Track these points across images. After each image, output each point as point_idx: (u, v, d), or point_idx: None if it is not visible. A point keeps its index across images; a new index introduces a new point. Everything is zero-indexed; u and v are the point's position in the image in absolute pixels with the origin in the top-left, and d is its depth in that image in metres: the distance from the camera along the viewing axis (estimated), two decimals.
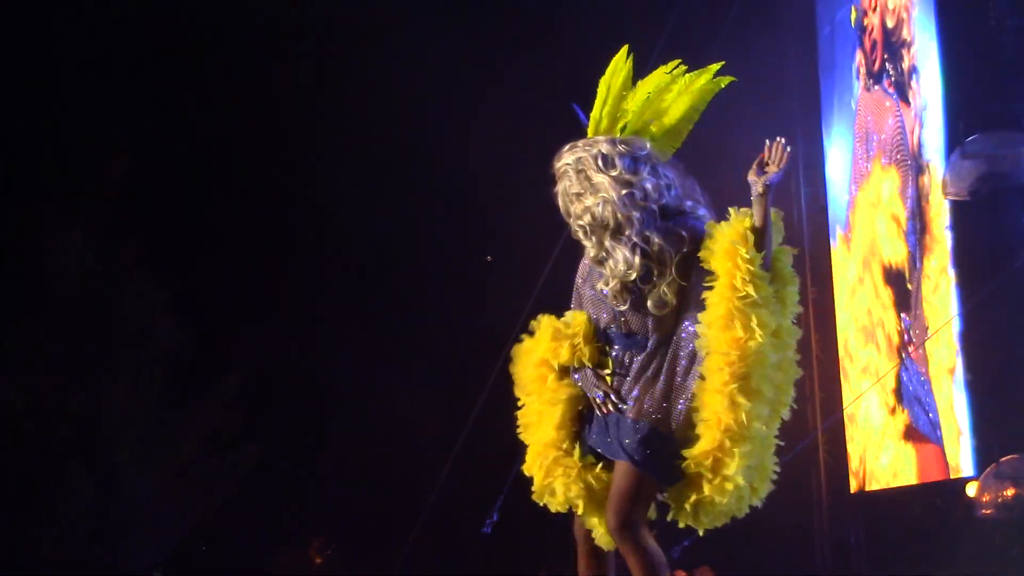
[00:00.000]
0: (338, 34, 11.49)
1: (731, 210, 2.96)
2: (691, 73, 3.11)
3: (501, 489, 6.29)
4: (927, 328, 8.38)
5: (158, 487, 11.59)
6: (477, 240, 12.17)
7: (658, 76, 3.09)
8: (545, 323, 3.16)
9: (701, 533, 3.09)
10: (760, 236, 2.83)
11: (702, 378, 2.88)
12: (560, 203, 3.08)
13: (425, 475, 9.11)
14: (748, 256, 2.80)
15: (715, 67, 3.12)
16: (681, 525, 3.08)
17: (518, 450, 3.24)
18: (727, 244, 2.82)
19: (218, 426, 11.96)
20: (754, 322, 2.80)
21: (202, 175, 12.20)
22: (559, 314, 3.19)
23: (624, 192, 2.94)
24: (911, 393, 8.91)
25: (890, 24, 9.21)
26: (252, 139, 12.09)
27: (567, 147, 3.08)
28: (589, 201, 3.00)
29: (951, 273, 7.98)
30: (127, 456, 11.38)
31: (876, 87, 9.55)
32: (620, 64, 3.05)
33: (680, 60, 3.14)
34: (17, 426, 11.06)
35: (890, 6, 9.23)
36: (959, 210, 7.81)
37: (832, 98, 10.38)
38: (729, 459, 2.82)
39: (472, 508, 7.43)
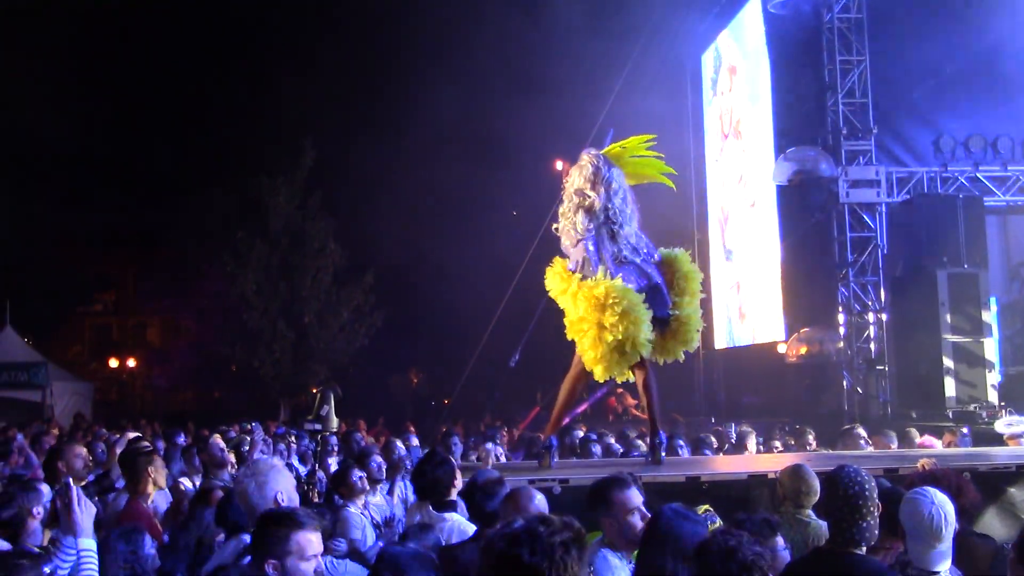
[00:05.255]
0: None
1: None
2: (657, 159, 5.69)
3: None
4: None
5: (328, 336, 18.88)
6: None
7: (650, 156, 5.67)
8: None
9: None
10: None
11: None
12: (573, 174, 5.41)
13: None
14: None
15: (667, 169, 5.73)
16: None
17: None
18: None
19: (360, 302, 19.13)
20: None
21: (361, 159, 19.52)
22: None
23: (590, 183, 5.25)
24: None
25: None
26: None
27: (592, 150, 5.44)
28: (578, 182, 5.32)
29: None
30: (311, 317, 18.70)
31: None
32: (644, 138, 5.65)
33: (660, 155, 5.70)
34: (250, 300, 18.40)
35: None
36: (781, 190, 12.93)
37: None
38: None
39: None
